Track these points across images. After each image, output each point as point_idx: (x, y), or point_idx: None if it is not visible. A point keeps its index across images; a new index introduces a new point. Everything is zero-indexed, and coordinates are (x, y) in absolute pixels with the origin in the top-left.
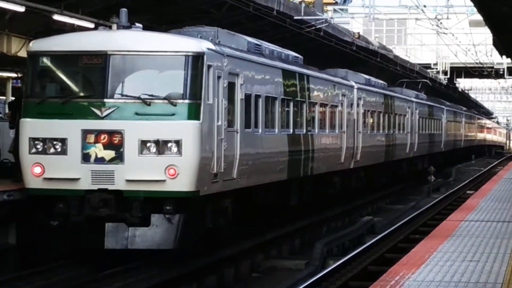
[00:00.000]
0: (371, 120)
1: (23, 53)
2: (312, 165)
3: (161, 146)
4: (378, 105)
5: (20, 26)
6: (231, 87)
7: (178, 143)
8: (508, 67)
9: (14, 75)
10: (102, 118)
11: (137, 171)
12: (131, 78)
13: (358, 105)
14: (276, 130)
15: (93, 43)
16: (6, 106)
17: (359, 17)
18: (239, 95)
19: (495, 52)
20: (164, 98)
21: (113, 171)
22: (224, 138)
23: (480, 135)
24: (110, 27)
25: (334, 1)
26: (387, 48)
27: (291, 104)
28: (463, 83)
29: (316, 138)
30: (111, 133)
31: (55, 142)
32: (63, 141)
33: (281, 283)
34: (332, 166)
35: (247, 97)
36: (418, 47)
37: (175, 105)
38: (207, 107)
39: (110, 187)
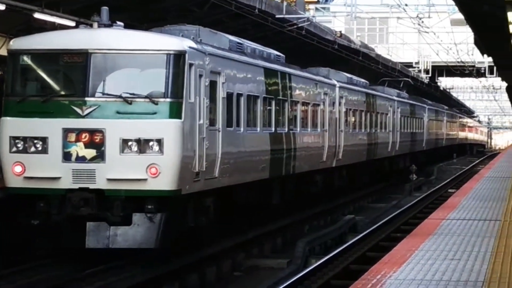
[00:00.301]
0: (353, 119)
1: (3, 52)
2: (294, 164)
3: (143, 145)
4: (360, 103)
5: (1, 24)
6: (212, 85)
7: (159, 142)
8: (489, 66)
9: None
10: (83, 116)
11: (119, 170)
12: (112, 77)
13: (340, 103)
14: (258, 128)
15: (74, 42)
16: None
17: (341, 16)
18: (220, 94)
19: (477, 51)
20: (146, 97)
21: (94, 170)
22: (205, 137)
23: (462, 134)
24: (91, 26)
25: (316, 0)
26: (369, 47)
27: (273, 103)
28: (444, 82)
29: (298, 137)
30: (92, 132)
31: (36, 141)
32: (44, 140)
33: (263, 282)
34: (314, 165)
35: (229, 96)
36: (400, 46)
37: (156, 104)
38: (188, 105)
39: (91, 186)
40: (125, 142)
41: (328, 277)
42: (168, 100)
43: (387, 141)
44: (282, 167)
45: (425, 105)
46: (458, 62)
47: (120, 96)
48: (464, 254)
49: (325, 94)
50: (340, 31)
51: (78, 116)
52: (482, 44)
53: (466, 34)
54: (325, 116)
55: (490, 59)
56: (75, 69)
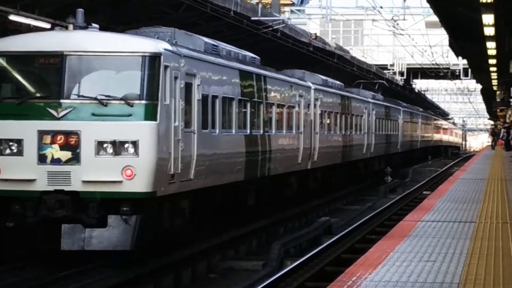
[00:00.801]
0: (328, 121)
1: None
2: (269, 166)
3: (118, 146)
4: (335, 105)
5: None
6: (188, 87)
7: (135, 143)
8: (464, 68)
9: None
10: (59, 118)
11: (94, 172)
12: (87, 79)
13: (315, 105)
14: (233, 130)
15: (50, 44)
16: None
17: (316, 18)
18: (196, 96)
19: (451, 53)
20: (121, 99)
21: (70, 172)
22: (181, 139)
23: (437, 136)
24: (66, 28)
25: (291, 2)
26: (344, 49)
27: (248, 105)
28: (419, 84)
29: (273, 139)
30: (67, 134)
31: (11, 143)
32: (19, 142)
33: (238, 284)
34: (289, 167)
35: (204, 98)
36: (375, 48)
37: (132, 106)
38: (164, 107)
39: (67, 188)
40: (100, 144)
41: (303, 279)
42: (144, 102)
43: (362, 143)
44: (257, 169)
45: (400, 107)
46: (433, 64)
47: (95, 98)
48: (440, 256)
49: (300, 96)
50: (315, 33)
51: (53, 118)
52: (456, 46)
53: (441, 36)
54: (300, 118)
55: (465, 61)
56: (51, 71)
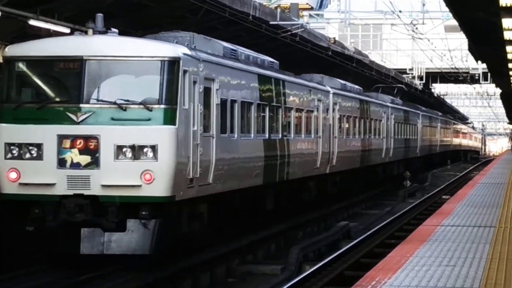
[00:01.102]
0: (346, 125)
1: None
2: (288, 170)
3: (137, 151)
4: (353, 110)
5: None
6: (207, 92)
7: (154, 148)
8: (483, 72)
9: None
10: (78, 123)
11: (113, 176)
12: (107, 83)
13: (333, 110)
14: (252, 135)
15: (69, 48)
16: None
17: (334, 22)
18: (215, 100)
19: (471, 57)
20: (140, 103)
21: (89, 176)
22: (199, 143)
23: (456, 140)
24: (86, 32)
25: (309, 7)
26: (363, 53)
27: (267, 109)
28: (438, 88)
29: (292, 143)
30: (87, 138)
31: (30, 147)
32: (39, 146)
33: None
34: (308, 171)
35: (223, 102)
36: (394, 52)
37: (151, 110)
38: (183, 112)
39: (86, 192)
40: (119, 149)
41: (322, 284)
42: (163, 106)
43: (381, 148)
44: (276, 174)
45: (419, 112)
46: (452, 68)
47: (114, 103)
48: (459, 261)
49: (319, 100)
50: (334, 38)
51: (73, 122)
52: (476, 50)
53: (460, 40)
54: (319, 122)
55: (484, 65)
56: (70, 76)
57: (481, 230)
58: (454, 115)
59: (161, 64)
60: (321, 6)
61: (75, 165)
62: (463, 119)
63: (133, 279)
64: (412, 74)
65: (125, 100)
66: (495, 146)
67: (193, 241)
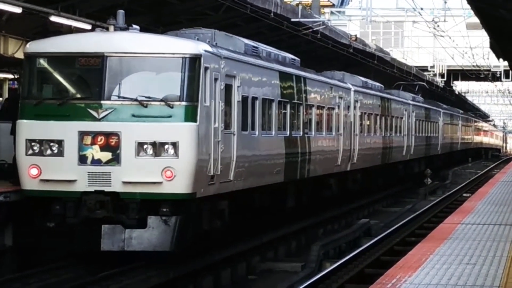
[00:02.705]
0: (367, 123)
1: (20, 55)
2: (309, 168)
3: (158, 148)
4: (375, 107)
5: (17, 27)
6: (228, 89)
7: (175, 145)
8: (505, 70)
9: (10, 76)
10: (99, 119)
11: (134, 173)
12: (128, 80)
13: (355, 107)
14: (273, 132)
15: (90, 45)
16: None
17: (356, 20)
18: (236, 97)
19: (492, 55)
20: (161, 100)
21: (110, 172)
22: (221, 140)
23: (477, 138)
24: (107, 29)
25: (331, 4)
26: (384, 51)
27: (288, 106)
28: (460, 86)
29: (313, 141)
30: (108, 134)
31: (51, 144)
32: (59, 142)
33: (277, 286)
34: (329, 169)
35: (244, 99)
36: (415, 50)
37: (172, 107)
38: (204, 109)
39: (107, 189)
40: (140, 145)
41: (342, 281)
42: (184, 103)
43: (402, 145)
44: (297, 171)
45: (440, 109)
46: (473, 66)
47: (135, 99)
48: (480, 259)
49: (340, 97)
50: (355, 35)
51: (94, 119)
52: (498, 48)
53: (482, 38)
54: (340, 119)
55: (506, 63)
56: (91, 72)
57: (501, 228)
58: (475, 113)
59: (182, 61)
60: (342, 3)
61: (96, 162)
62: (484, 117)
63: (155, 276)
64: (433, 71)
65: (146, 97)
66: None
67: (214, 238)
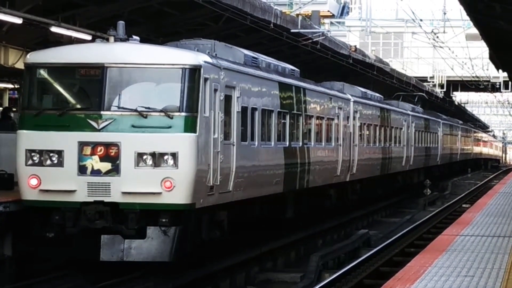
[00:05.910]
0: (367, 133)
1: (20, 65)
2: (308, 178)
3: (157, 158)
4: (374, 118)
5: (18, 38)
6: (227, 99)
7: (174, 155)
8: (504, 81)
9: (11, 86)
10: (99, 130)
11: (133, 183)
12: (128, 91)
13: (354, 118)
14: (272, 143)
15: (90, 56)
16: None
17: (355, 30)
18: (235, 108)
19: (492, 66)
20: (161, 111)
21: (109, 183)
22: (220, 151)
23: (476, 149)
24: (107, 40)
25: (331, 14)
26: (384, 61)
27: (288, 117)
28: (459, 97)
29: (312, 151)
30: (107, 145)
31: (51, 154)
32: (59, 153)
33: None
34: (328, 179)
35: (244, 110)
36: (415, 61)
37: (171, 118)
38: (203, 119)
39: (106, 199)
40: (140, 156)
41: None
42: (183, 114)
43: (401, 156)
44: (296, 181)
45: (439, 120)
46: (473, 77)
47: (135, 110)
48: (478, 271)
49: (340, 108)
50: (355, 46)
51: (93, 129)
52: (497, 59)
53: (481, 49)
54: (339, 130)
55: (505, 74)
56: (91, 83)
57: (500, 240)
58: (475, 124)
59: (182, 72)
60: (342, 13)
61: (96, 172)
62: (484, 128)
63: (153, 286)
64: (433, 82)
65: (146, 108)
66: None
67: (213, 249)
